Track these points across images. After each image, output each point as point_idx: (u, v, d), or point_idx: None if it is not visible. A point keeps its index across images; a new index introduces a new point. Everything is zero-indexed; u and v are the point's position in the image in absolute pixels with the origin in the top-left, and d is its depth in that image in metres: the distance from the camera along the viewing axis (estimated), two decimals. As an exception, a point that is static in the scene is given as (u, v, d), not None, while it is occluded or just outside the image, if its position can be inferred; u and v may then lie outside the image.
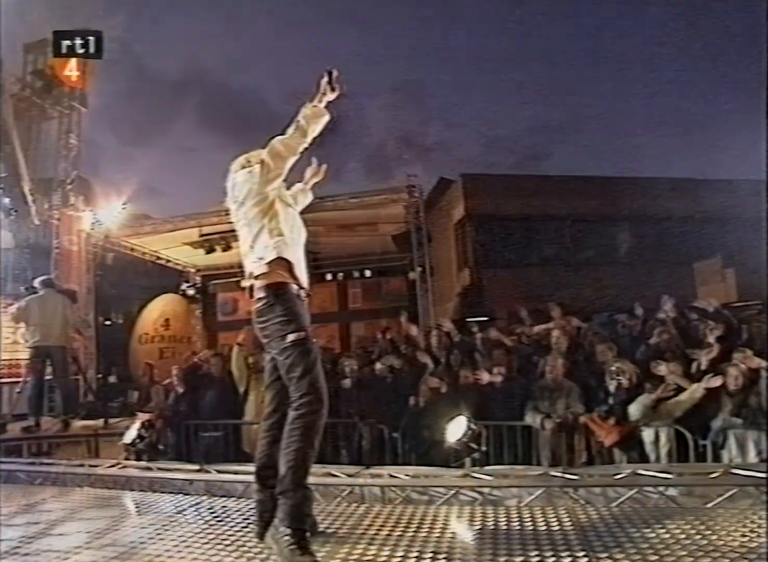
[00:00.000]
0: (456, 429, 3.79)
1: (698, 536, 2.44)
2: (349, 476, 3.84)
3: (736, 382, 4.39)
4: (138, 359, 11.58)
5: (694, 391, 4.44)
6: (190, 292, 12.73)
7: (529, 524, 2.78)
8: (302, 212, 2.95)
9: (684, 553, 2.27)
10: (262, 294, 2.57)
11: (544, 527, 2.71)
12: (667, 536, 2.48)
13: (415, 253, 9.13)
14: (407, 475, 3.82)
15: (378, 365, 6.07)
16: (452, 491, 3.48)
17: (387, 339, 7.45)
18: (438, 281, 11.11)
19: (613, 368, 4.80)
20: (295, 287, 2.60)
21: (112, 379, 11.76)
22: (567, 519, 2.80)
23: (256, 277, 2.60)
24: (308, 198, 3.14)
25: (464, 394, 5.14)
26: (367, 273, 11.65)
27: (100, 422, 6.98)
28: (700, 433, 4.39)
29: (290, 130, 2.62)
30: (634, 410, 4.53)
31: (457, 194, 14.50)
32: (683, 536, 2.46)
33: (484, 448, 3.75)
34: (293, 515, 2.37)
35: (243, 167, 2.72)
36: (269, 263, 2.57)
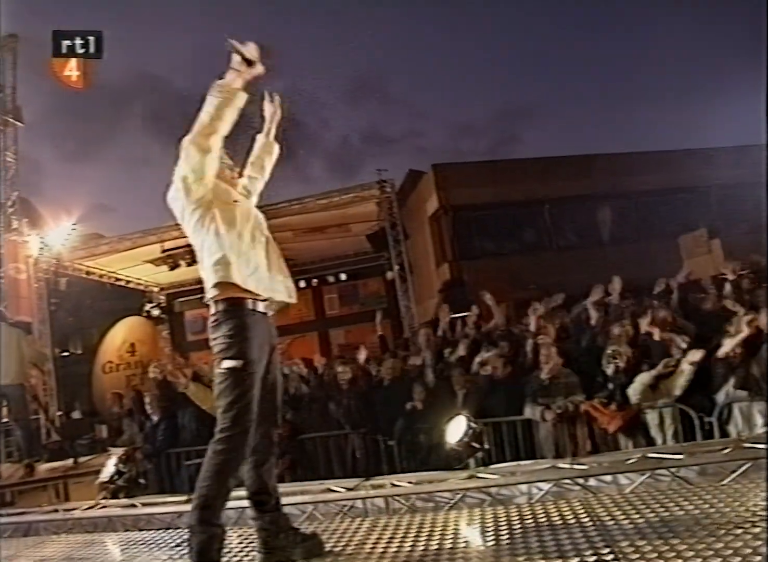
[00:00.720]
0: (456, 429, 3.80)
1: (717, 515, 2.50)
2: (350, 489, 3.83)
3: (734, 352, 4.53)
4: (103, 391, 11.33)
5: (683, 368, 4.56)
6: (155, 312, 12.52)
7: (544, 520, 2.81)
8: (268, 218, 2.85)
9: (705, 532, 2.32)
10: (213, 310, 2.52)
11: (560, 522, 2.74)
12: (687, 517, 2.53)
13: (392, 251, 9.18)
14: (410, 482, 3.83)
15: (383, 371, 6.06)
16: (459, 495, 3.50)
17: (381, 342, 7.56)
18: (417, 279, 11.15)
19: (609, 351, 4.89)
20: (251, 301, 2.51)
21: (76, 414, 11.52)
22: (582, 511, 2.84)
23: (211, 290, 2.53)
24: (274, 153, 2.97)
25: (462, 392, 5.20)
26: (343, 277, 11.62)
27: (69, 462, 6.82)
28: (704, 410, 4.51)
29: (196, 126, 2.44)
30: (634, 389, 4.63)
31: (429, 186, 14.59)
32: (702, 515, 2.52)
33: (486, 446, 3.78)
34: (199, 553, 2.34)
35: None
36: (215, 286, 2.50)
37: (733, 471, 3.03)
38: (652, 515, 2.63)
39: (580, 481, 3.27)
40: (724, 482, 2.99)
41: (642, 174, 13.85)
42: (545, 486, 3.33)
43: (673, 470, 3.12)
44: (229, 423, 2.38)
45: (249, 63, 2.40)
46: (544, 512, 2.93)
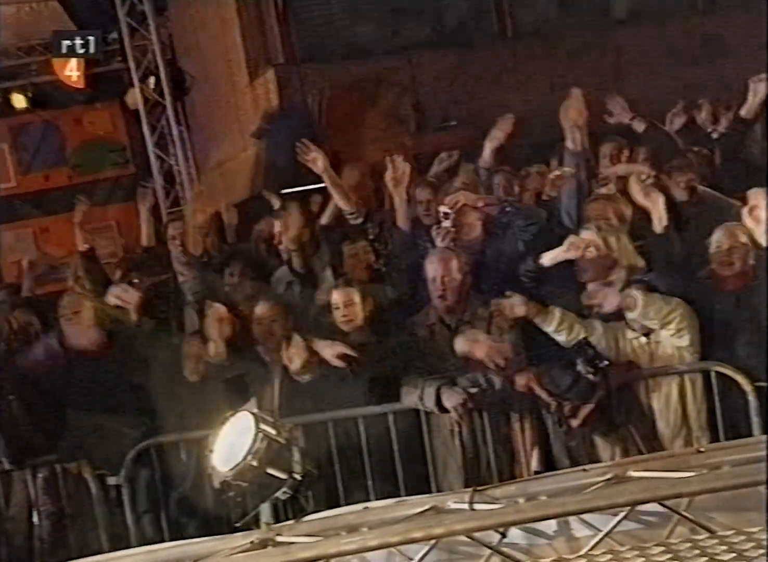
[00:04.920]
0: (233, 442, 3.81)
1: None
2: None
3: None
4: None
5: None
6: None
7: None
8: None
9: None
10: None
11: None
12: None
13: (126, 42, 9.04)
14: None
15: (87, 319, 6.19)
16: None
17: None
18: (201, 108, 11.06)
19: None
20: None
21: None
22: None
23: None
24: None
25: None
26: (20, 102, 11.35)
27: None
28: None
29: None
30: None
31: None
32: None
33: (300, 476, 3.83)
34: None
35: None
36: None
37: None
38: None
39: (488, 538, 3.35)
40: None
41: None
42: (417, 554, 3.40)
43: (673, 502, 3.27)
44: None
45: None
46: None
